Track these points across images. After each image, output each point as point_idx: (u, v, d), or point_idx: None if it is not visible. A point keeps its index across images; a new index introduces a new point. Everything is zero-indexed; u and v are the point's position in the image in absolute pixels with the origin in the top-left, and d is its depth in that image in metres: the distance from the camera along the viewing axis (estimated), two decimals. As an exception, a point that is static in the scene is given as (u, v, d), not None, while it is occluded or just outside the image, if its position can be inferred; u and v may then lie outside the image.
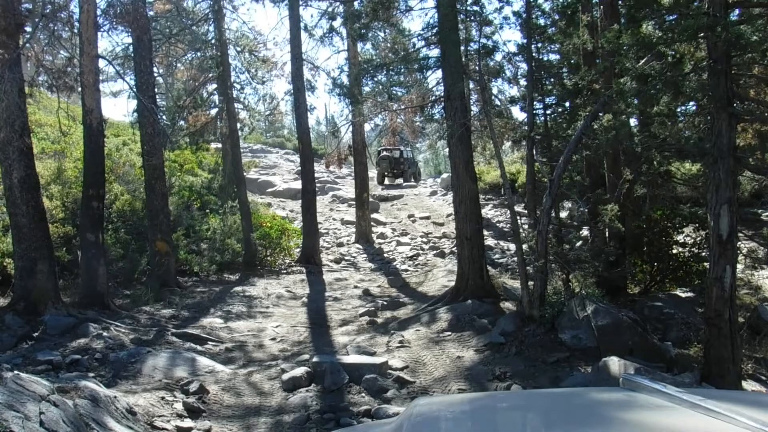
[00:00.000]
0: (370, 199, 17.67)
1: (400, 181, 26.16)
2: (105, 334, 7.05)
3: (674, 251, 8.70)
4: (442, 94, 8.82)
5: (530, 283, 7.27)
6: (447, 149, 9.74)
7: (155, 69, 13.36)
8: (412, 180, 26.52)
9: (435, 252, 14.09)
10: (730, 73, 4.72)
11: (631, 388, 1.59)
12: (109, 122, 19.14)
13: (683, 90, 4.74)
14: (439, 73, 9.28)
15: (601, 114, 6.53)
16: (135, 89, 10.21)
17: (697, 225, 8.48)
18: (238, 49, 15.15)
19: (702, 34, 4.51)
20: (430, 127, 15.80)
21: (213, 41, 14.40)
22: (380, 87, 12.84)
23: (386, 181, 26.22)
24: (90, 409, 3.96)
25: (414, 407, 1.65)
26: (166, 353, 6.45)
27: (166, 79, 20.22)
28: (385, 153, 25.71)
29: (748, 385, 5.83)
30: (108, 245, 9.63)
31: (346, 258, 14.36)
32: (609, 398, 1.65)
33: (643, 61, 5.39)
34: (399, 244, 15.55)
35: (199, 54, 15.40)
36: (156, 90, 11.71)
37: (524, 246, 7.52)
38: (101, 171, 8.77)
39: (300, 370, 5.81)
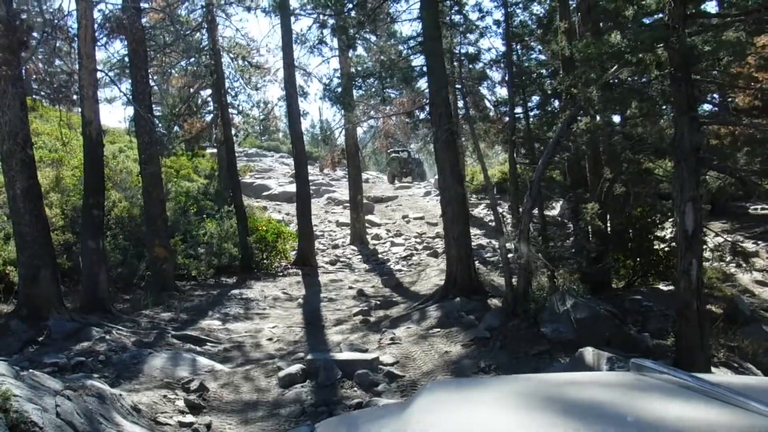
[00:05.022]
0: (365, 201, 17.93)
1: (408, 180, 26.69)
2: (107, 337, 7.31)
3: (655, 246, 9.03)
4: (428, 100, 9.12)
5: (514, 280, 7.59)
6: (437, 152, 10.02)
7: (150, 77, 13.59)
8: (419, 179, 27.06)
9: (428, 252, 14.35)
10: (691, 79, 5.05)
11: (640, 373, 1.64)
12: (104, 129, 19.37)
13: (647, 96, 5.06)
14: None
15: (580, 117, 6.86)
16: (132, 99, 10.48)
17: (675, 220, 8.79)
18: (232, 56, 15.41)
19: (660, 45, 4.85)
20: (420, 130, 16.11)
21: (207, 49, 14.63)
22: (372, 90, 13.10)
23: (396, 182, 26.72)
24: (97, 406, 4.25)
25: (425, 390, 1.72)
26: (167, 354, 6.72)
27: (161, 86, 20.42)
28: (394, 154, 26.27)
29: (719, 371, 6.16)
30: (107, 251, 9.88)
31: (341, 260, 14.61)
32: (617, 380, 1.72)
33: (614, 68, 5.71)
34: (393, 244, 15.81)
35: (193, 61, 15.62)
36: (151, 98, 11.95)
37: (508, 244, 7.84)
38: (101, 180, 9.01)
39: (295, 368, 6.09)
